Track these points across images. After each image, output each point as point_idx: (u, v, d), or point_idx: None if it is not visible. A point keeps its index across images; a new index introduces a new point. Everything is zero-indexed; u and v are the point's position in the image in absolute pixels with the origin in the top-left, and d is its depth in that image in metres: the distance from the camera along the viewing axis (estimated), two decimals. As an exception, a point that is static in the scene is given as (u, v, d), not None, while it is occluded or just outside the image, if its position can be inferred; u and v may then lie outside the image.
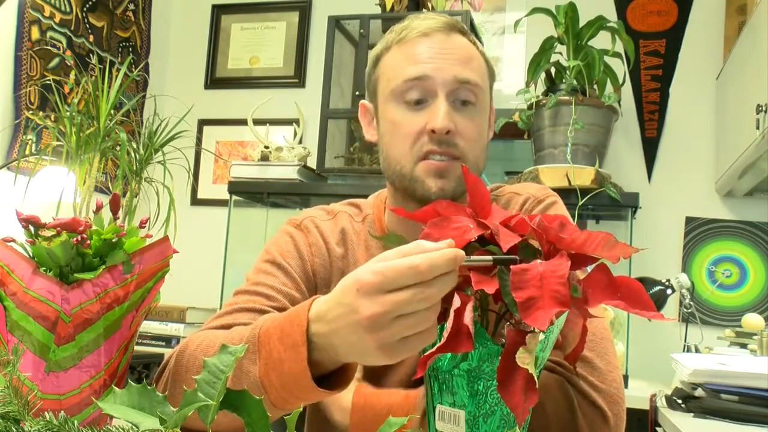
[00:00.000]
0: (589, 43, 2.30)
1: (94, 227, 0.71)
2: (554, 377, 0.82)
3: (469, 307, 0.58)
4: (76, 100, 2.28)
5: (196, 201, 3.09)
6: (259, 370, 0.72)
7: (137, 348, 2.25)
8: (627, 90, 2.62)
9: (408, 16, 0.99)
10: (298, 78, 3.04)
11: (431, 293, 0.59)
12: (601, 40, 2.33)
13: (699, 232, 2.54)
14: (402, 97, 0.92)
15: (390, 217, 1.02)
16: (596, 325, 0.85)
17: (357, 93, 2.38)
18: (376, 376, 0.96)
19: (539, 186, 1.03)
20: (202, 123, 3.11)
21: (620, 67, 2.43)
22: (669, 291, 2.21)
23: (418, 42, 0.93)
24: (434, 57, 0.91)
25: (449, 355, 0.63)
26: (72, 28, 2.64)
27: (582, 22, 2.29)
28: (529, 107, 2.32)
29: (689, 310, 2.26)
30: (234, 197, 2.64)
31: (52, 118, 2.45)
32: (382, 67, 0.97)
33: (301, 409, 0.65)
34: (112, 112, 2.28)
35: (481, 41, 2.47)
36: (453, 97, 0.91)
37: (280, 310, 0.91)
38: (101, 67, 2.75)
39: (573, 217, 2.14)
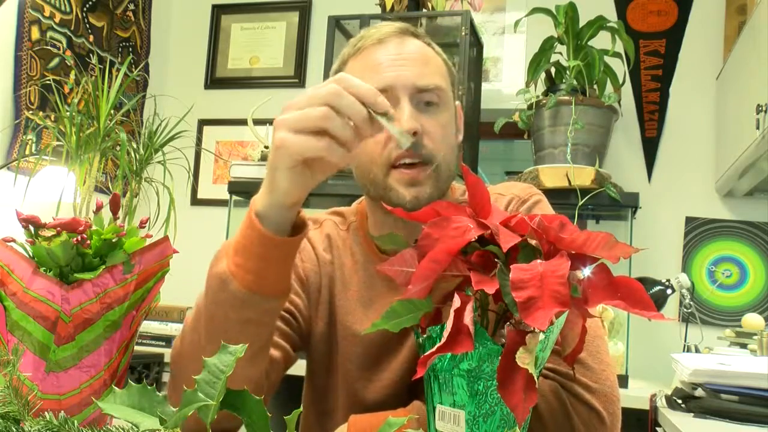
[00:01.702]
0: (589, 43, 2.30)
1: (94, 227, 0.71)
2: (547, 382, 0.82)
3: (469, 307, 0.58)
4: (76, 100, 2.28)
5: (196, 201, 3.09)
6: (227, 264, 0.77)
7: (137, 348, 2.26)
8: (627, 90, 2.62)
9: (361, 31, 0.99)
10: (298, 78, 3.04)
11: (319, 92, 0.70)
12: (601, 40, 2.33)
13: (699, 232, 2.54)
14: None
15: (373, 221, 1.02)
16: (589, 323, 0.85)
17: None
18: (367, 375, 0.96)
19: (523, 185, 1.03)
20: (202, 123, 3.11)
21: (620, 67, 2.43)
22: (669, 291, 2.21)
23: (373, 50, 0.93)
24: (392, 64, 0.91)
25: (449, 355, 0.63)
26: (72, 28, 2.64)
27: (582, 22, 2.29)
28: (529, 107, 2.32)
29: (689, 310, 2.26)
30: (234, 197, 2.64)
31: (52, 118, 2.45)
32: None
33: (301, 409, 0.65)
34: (112, 112, 2.28)
35: (480, 42, 2.48)
36: (416, 100, 0.91)
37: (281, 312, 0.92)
38: (101, 67, 2.75)
39: (573, 217, 2.14)
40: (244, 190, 2.59)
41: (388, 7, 2.42)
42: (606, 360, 0.85)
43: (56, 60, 2.56)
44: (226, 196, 2.66)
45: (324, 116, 0.69)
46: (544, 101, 2.26)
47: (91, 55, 2.72)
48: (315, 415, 1.04)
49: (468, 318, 0.58)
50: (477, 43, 2.43)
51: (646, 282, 2.21)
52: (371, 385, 0.96)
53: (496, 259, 0.62)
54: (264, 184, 0.76)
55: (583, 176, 2.19)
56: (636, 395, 1.84)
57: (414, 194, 0.89)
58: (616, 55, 2.33)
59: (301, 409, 1.06)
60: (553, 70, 2.39)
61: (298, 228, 0.78)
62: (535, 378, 0.56)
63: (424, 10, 2.42)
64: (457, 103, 1.01)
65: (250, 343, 0.82)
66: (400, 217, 0.71)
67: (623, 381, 2.08)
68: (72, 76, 2.63)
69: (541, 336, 0.58)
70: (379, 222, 1.00)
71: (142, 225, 0.77)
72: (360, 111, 0.70)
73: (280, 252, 0.76)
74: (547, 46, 2.35)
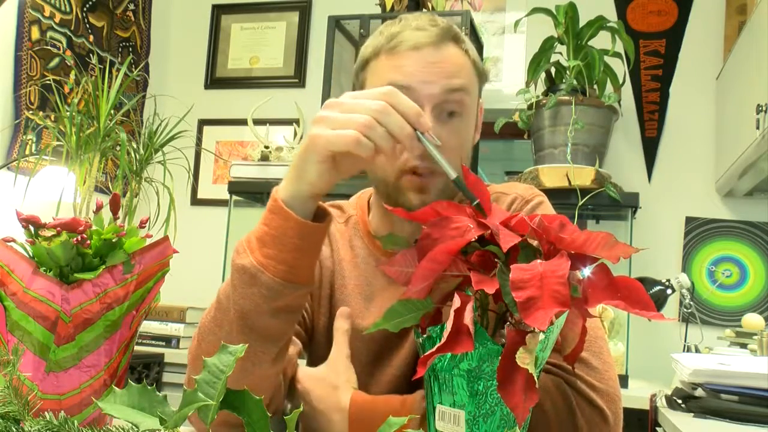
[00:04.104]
0: (589, 43, 2.30)
1: (94, 227, 0.71)
2: (552, 378, 0.82)
3: (469, 307, 0.58)
4: (76, 100, 2.28)
5: (196, 201, 3.09)
6: (253, 257, 0.78)
7: (137, 348, 2.26)
8: (627, 90, 2.62)
9: (401, 17, 0.97)
10: (298, 78, 3.04)
11: (367, 104, 0.73)
12: (601, 40, 2.33)
13: (699, 232, 2.54)
14: None
15: (376, 217, 1.02)
16: (590, 324, 0.85)
17: (357, 93, 2.39)
18: (368, 370, 0.96)
19: (526, 186, 1.03)
20: (202, 123, 3.11)
21: (620, 67, 2.44)
22: (669, 291, 2.21)
23: (407, 55, 0.92)
24: (422, 70, 0.90)
25: (449, 355, 0.63)
26: (72, 28, 2.64)
27: (582, 22, 2.29)
28: (529, 107, 2.32)
29: (689, 310, 2.26)
30: (234, 197, 2.64)
31: (52, 118, 2.45)
32: (369, 71, 0.96)
33: (301, 409, 0.65)
34: (112, 112, 2.28)
35: (480, 42, 2.48)
36: (439, 109, 0.91)
37: None
38: (101, 67, 2.75)
39: (573, 217, 2.14)
40: (244, 190, 2.59)
41: (388, 7, 2.42)
42: (609, 360, 0.86)
43: (56, 60, 2.56)
44: (226, 196, 2.66)
45: (367, 125, 0.72)
46: (544, 101, 2.26)
47: (91, 55, 2.72)
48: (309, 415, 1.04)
49: (468, 318, 0.58)
50: (477, 43, 2.43)
51: (646, 282, 2.21)
52: (373, 380, 0.96)
53: (496, 259, 0.62)
54: (290, 175, 0.78)
55: (583, 176, 2.19)
56: (636, 395, 1.84)
57: (422, 200, 0.89)
58: (616, 55, 2.33)
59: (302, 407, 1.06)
60: (553, 70, 2.39)
61: (317, 217, 0.80)
62: (535, 378, 0.56)
63: (424, 10, 2.42)
64: (481, 100, 1.01)
65: (282, 334, 0.83)
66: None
67: (623, 381, 2.08)
68: (72, 76, 2.63)
69: (541, 336, 0.58)
70: (384, 219, 1.00)
71: (142, 225, 0.77)
72: (405, 129, 0.73)
73: (314, 238, 0.78)
74: (547, 46, 2.35)
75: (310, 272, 0.81)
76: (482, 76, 0.99)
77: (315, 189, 0.77)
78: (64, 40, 2.60)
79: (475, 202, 0.65)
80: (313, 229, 0.77)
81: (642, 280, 2.21)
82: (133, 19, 3.00)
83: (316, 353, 1.03)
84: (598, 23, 2.29)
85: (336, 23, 2.43)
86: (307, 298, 0.87)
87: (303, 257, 0.78)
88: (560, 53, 2.37)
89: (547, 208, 0.99)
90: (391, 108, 0.73)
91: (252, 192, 2.59)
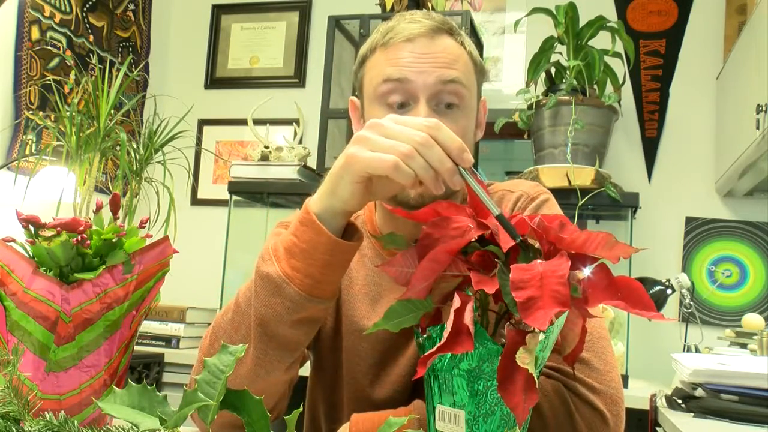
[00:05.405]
0: (589, 43, 2.30)
1: (94, 227, 0.71)
2: (550, 382, 0.82)
3: (469, 307, 0.58)
4: (76, 100, 2.28)
5: (196, 201, 3.09)
6: (280, 266, 0.77)
7: (137, 348, 2.26)
8: (627, 90, 2.62)
9: (396, 15, 0.97)
10: (298, 78, 3.04)
11: (411, 134, 0.71)
12: (601, 40, 2.33)
13: (699, 232, 2.54)
14: (384, 99, 0.92)
15: (381, 216, 1.01)
16: (594, 324, 0.85)
17: (357, 93, 2.40)
18: (374, 371, 0.96)
19: (531, 183, 1.03)
20: (202, 123, 3.11)
21: (620, 67, 2.43)
22: (669, 291, 2.21)
23: (401, 47, 0.92)
24: (416, 61, 0.90)
25: (449, 355, 0.63)
26: (72, 28, 2.64)
27: (582, 22, 2.29)
28: (529, 107, 2.32)
29: (689, 310, 2.26)
30: (234, 197, 2.64)
31: (52, 118, 2.45)
32: (366, 68, 0.96)
33: (301, 409, 0.65)
34: (112, 112, 2.28)
35: (480, 42, 2.48)
36: (436, 101, 0.90)
37: None
38: (101, 67, 2.75)
39: (573, 217, 2.14)
40: (244, 190, 2.59)
41: (388, 7, 2.42)
42: (611, 362, 0.85)
43: (56, 60, 2.56)
44: (226, 196, 2.66)
45: (407, 154, 0.70)
46: (544, 101, 2.26)
47: (91, 55, 2.72)
48: (322, 409, 1.04)
49: (468, 318, 0.58)
50: (477, 43, 2.43)
51: (646, 282, 2.21)
52: (378, 380, 0.96)
53: (496, 259, 0.62)
54: (323, 189, 0.78)
55: (583, 176, 2.19)
56: (636, 395, 1.84)
57: (419, 192, 0.88)
58: (616, 55, 2.33)
59: (302, 408, 1.06)
60: (553, 70, 2.39)
61: (346, 233, 0.79)
62: (535, 378, 0.56)
63: (423, 9, 2.42)
64: (483, 98, 1.01)
65: (299, 344, 0.83)
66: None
67: (623, 381, 2.08)
68: (72, 76, 2.63)
69: (541, 336, 0.58)
70: (388, 218, 0.99)
71: (142, 225, 0.77)
72: (445, 163, 0.71)
73: (344, 256, 0.78)
74: (547, 46, 2.35)
75: (335, 288, 0.80)
76: (481, 71, 0.98)
77: (347, 207, 0.76)
78: (64, 40, 2.60)
79: (518, 240, 0.63)
80: (344, 247, 0.77)
81: (642, 280, 2.21)
82: (133, 19, 3.00)
83: (322, 354, 1.03)
84: (598, 23, 2.29)
85: (336, 23, 2.43)
86: (328, 311, 0.87)
87: (330, 273, 0.77)
88: (560, 53, 2.37)
89: (553, 206, 0.98)
90: (433, 141, 0.71)
91: (252, 192, 2.59)
